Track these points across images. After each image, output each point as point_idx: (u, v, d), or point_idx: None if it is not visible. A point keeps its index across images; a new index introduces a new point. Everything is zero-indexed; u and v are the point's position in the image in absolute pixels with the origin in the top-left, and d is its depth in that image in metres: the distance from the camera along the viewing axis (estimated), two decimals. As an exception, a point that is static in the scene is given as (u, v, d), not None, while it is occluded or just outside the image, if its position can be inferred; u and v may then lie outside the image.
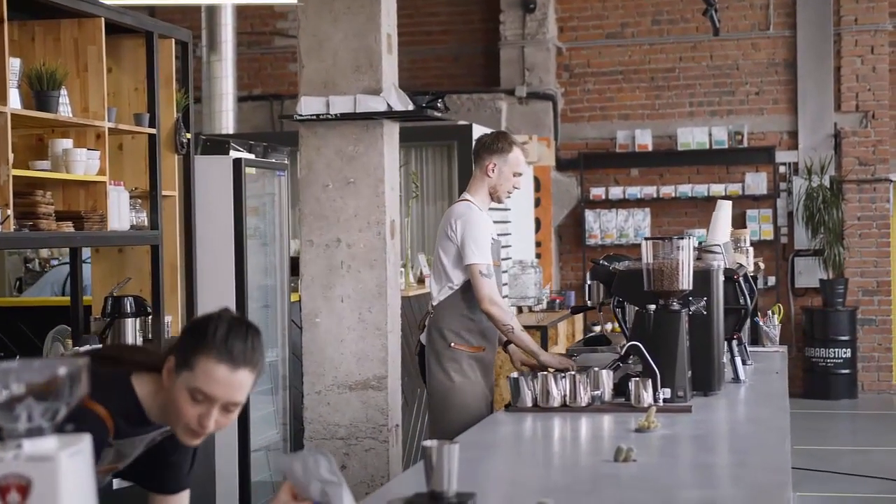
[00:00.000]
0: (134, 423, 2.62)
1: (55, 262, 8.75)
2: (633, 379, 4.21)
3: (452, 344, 5.17)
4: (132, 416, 2.61)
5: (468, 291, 5.15)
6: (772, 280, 12.37)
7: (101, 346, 5.14)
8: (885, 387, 12.39)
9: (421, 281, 7.81)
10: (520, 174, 5.31)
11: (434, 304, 5.26)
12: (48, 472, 1.76)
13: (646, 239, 4.47)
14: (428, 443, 2.69)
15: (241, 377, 2.50)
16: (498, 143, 5.29)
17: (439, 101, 6.28)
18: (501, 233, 10.33)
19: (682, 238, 4.43)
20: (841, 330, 12.04)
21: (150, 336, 5.68)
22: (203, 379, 2.49)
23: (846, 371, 12.06)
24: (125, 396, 2.61)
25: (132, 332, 5.53)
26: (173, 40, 5.92)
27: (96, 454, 2.42)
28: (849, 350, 12.04)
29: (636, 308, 4.54)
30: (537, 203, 12.24)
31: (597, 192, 12.74)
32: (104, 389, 2.53)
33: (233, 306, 6.24)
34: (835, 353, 12.02)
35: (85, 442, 1.83)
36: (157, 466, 2.80)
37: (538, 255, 12.11)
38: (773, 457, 3.33)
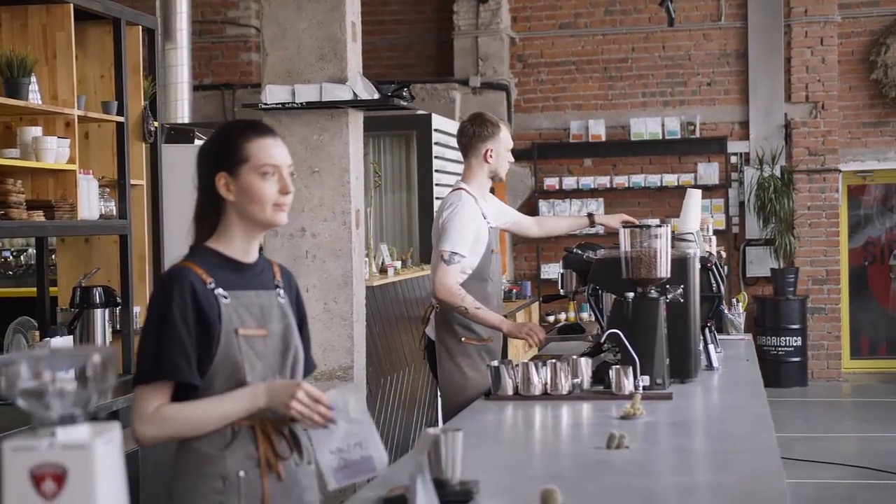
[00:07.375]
0: (226, 268, 2.83)
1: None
2: (614, 367, 4.23)
3: (463, 339, 5.14)
4: (220, 263, 2.83)
5: (473, 283, 5.11)
6: (724, 269, 12.47)
7: None
8: (835, 374, 12.56)
9: (383, 271, 7.78)
10: (511, 147, 5.50)
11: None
12: (83, 460, 1.74)
13: (624, 226, 4.48)
14: (432, 430, 2.69)
15: (280, 142, 2.88)
16: (487, 128, 5.37)
17: (405, 90, 6.27)
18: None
19: (661, 226, 4.45)
20: (791, 318, 12.19)
21: (118, 327, 5.61)
22: (263, 155, 2.82)
23: (797, 359, 12.21)
24: (203, 252, 2.84)
25: (101, 322, 5.45)
26: (140, 27, 5.85)
27: (209, 301, 2.74)
28: (799, 338, 12.19)
29: (614, 296, 4.56)
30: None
31: (550, 182, 12.78)
32: (185, 258, 2.85)
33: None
34: (785, 341, 12.16)
35: (115, 430, 1.82)
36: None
37: (492, 245, 12.12)
38: (763, 443, 3.36)
